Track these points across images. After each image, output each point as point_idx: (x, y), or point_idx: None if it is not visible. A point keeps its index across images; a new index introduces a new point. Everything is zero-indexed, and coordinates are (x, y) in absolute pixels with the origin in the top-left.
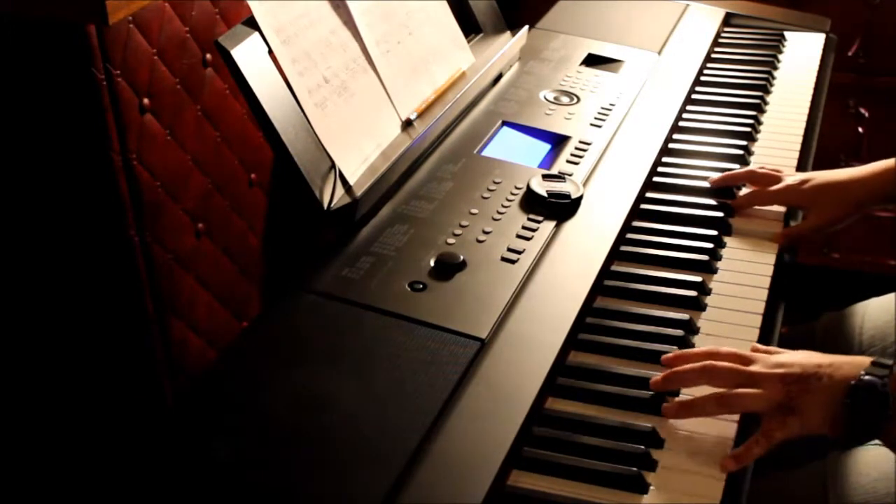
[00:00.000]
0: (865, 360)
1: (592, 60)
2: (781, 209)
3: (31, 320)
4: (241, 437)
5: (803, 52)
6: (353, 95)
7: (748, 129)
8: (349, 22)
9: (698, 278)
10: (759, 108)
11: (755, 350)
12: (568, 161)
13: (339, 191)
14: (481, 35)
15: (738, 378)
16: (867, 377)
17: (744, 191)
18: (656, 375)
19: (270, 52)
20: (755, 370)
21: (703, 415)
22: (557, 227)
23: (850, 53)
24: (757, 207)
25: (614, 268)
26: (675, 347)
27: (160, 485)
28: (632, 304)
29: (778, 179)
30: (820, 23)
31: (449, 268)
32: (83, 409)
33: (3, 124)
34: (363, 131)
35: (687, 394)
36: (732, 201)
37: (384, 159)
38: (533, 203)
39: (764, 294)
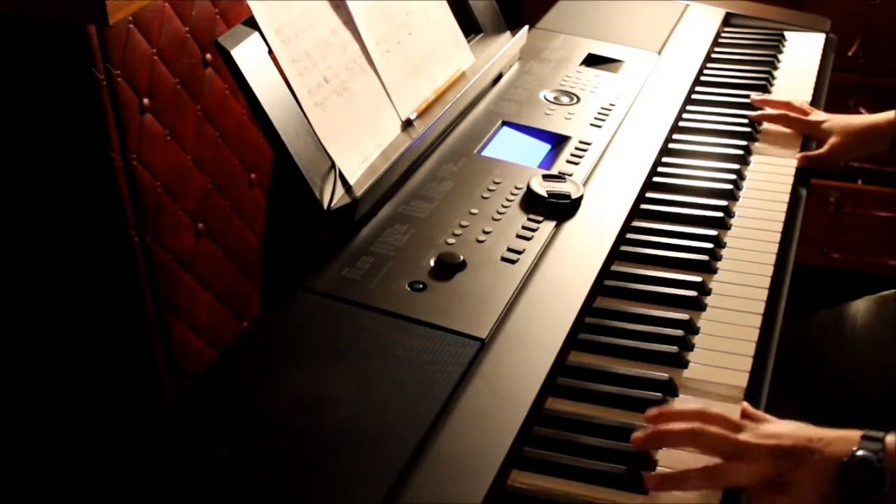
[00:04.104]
0: (856, 435)
1: (592, 60)
2: (783, 208)
3: (31, 320)
4: (241, 437)
5: (803, 52)
6: (353, 95)
7: (748, 129)
8: (349, 22)
9: (698, 278)
10: (760, 109)
11: (745, 413)
12: (568, 161)
13: (339, 191)
14: (481, 35)
15: (726, 446)
16: (861, 453)
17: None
18: (648, 415)
19: (270, 52)
20: (745, 439)
21: (688, 488)
22: (557, 227)
23: (850, 53)
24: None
25: (614, 268)
26: (675, 348)
27: (160, 485)
28: (632, 304)
29: (806, 114)
30: (820, 23)
31: (449, 268)
32: (83, 409)
33: (3, 124)
34: (363, 131)
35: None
36: (758, 115)
37: (384, 159)
38: (533, 203)
39: (764, 294)
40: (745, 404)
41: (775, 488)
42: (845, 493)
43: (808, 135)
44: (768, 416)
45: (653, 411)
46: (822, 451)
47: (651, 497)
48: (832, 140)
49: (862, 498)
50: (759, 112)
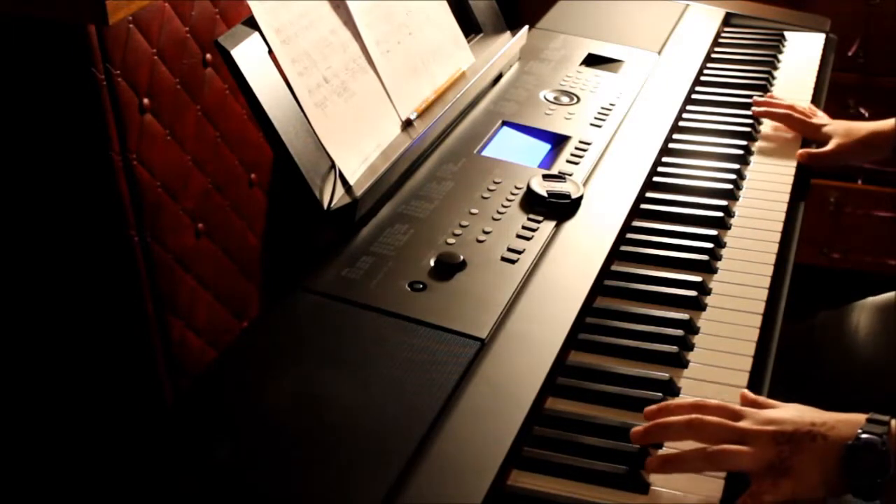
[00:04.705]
0: (860, 418)
1: (592, 60)
2: (783, 208)
3: (31, 320)
4: (241, 437)
5: (803, 52)
6: (353, 95)
7: (748, 129)
8: (349, 22)
9: (698, 278)
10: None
11: (744, 399)
12: (568, 161)
13: (339, 191)
14: (481, 35)
15: (727, 434)
16: (865, 436)
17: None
18: (648, 408)
19: (270, 52)
20: (745, 427)
21: (688, 471)
22: (557, 227)
23: (850, 53)
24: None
25: (614, 268)
26: (675, 347)
27: (160, 485)
28: (632, 304)
29: (810, 116)
30: (820, 23)
31: (449, 268)
32: (83, 408)
33: (3, 124)
34: (363, 131)
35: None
36: (762, 112)
37: (384, 159)
38: (533, 203)
39: (764, 294)
40: (745, 391)
41: (778, 473)
42: (849, 476)
43: (808, 137)
44: (770, 401)
45: (652, 408)
46: (825, 436)
47: (651, 497)
48: (835, 141)
49: (866, 481)
50: (763, 109)
